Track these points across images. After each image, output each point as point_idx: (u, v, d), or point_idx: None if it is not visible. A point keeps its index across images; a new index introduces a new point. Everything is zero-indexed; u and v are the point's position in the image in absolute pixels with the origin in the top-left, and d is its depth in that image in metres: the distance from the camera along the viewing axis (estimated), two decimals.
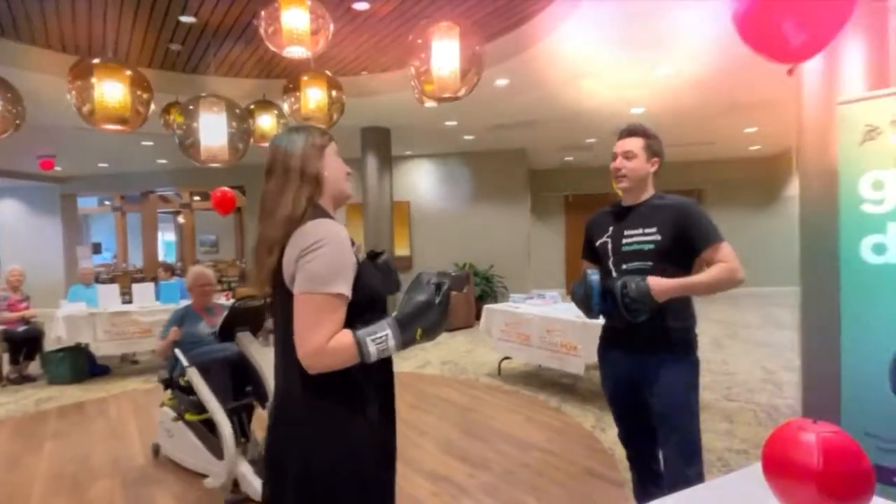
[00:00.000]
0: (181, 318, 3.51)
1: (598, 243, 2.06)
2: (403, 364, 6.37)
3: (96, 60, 3.02)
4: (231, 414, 3.07)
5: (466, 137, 8.73)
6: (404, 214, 10.07)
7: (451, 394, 5.10)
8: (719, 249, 1.84)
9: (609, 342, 2.08)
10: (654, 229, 1.90)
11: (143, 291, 6.68)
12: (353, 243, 1.31)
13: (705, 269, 1.85)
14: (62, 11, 4.17)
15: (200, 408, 3.18)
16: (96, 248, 15.45)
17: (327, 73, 3.53)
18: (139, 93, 3.06)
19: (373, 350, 1.22)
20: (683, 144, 9.37)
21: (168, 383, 3.47)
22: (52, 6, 4.07)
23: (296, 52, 2.55)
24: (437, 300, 1.29)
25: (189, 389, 3.22)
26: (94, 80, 2.91)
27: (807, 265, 2.91)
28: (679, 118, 7.48)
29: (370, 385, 1.33)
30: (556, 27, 4.35)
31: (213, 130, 3.58)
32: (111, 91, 2.91)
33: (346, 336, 1.22)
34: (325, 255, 1.22)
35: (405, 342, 1.26)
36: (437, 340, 7.69)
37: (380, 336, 1.23)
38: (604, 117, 7.12)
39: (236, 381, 3.26)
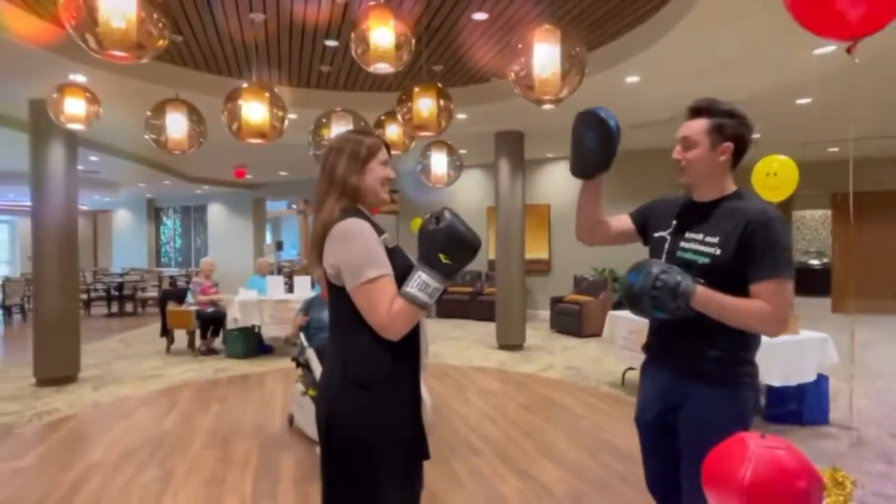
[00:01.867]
0: (308, 306, 4.01)
1: (655, 235, 1.76)
2: (523, 366, 6.41)
3: (245, 84, 3.63)
4: None
5: None
6: (544, 218, 10.04)
7: (567, 399, 5.02)
8: (775, 289, 1.45)
9: (649, 354, 1.81)
10: (715, 239, 1.55)
11: (303, 283, 7.65)
12: (380, 233, 1.48)
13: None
14: (236, 45, 5.01)
15: None
16: (279, 246, 17.83)
17: (438, 84, 3.76)
18: (276, 111, 3.61)
19: (414, 290, 1.39)
20: (866, 138, 7.97)
21: (298, 362, 3.99)
22: (229, 42, 4.92)
23: (382, 68, 2.80)
24: (433, 226, 1.42)
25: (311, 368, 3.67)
26: (240, 101, 3.51)
27: None
28: (853, 108, 6.41)
29: (397, 370, 1.49)
30: (682, 16, 4.07)
31: None
32: (253, 111, 3.48)
33: (397, 300, 1.41)
34: (354, 250, 1.43)
35: (434, 266, 1.40)
36: (566, 345, 7.59)
37: (413, 279, 1.40)
38: (762, 111, 6.35)
39: None
